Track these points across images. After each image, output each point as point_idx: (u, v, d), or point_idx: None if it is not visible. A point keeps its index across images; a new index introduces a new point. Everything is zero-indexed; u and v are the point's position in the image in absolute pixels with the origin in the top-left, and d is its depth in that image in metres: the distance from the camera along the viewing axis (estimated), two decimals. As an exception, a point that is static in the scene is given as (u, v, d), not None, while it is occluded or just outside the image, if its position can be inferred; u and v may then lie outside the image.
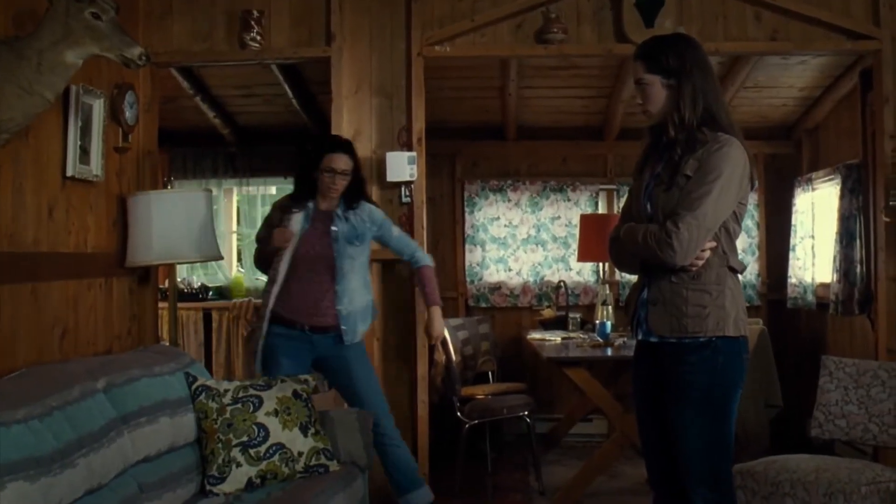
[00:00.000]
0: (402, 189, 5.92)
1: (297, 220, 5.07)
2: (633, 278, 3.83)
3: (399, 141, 5.93)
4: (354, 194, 5.10)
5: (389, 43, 5.95)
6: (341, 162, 5.00)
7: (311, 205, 5.10)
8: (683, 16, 5.86)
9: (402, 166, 5.83)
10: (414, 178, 5.86)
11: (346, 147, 5.08)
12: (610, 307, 7.00)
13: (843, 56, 6.87)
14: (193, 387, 4.40)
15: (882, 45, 5.81)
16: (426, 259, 5.30)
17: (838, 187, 7.27)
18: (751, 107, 8.30)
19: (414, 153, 5.86)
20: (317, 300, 5.02)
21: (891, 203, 5.39)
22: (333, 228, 5.03)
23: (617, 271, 8.28)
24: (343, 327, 5.03)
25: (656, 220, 3.40)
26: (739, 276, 3.58)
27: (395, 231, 5.25)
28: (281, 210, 5.14)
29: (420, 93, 5.90)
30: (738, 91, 7.84)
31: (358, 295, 5.09)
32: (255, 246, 5.32)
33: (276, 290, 5.02)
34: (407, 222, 5.87)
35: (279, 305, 5.04)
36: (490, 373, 7.99)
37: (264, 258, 5.19)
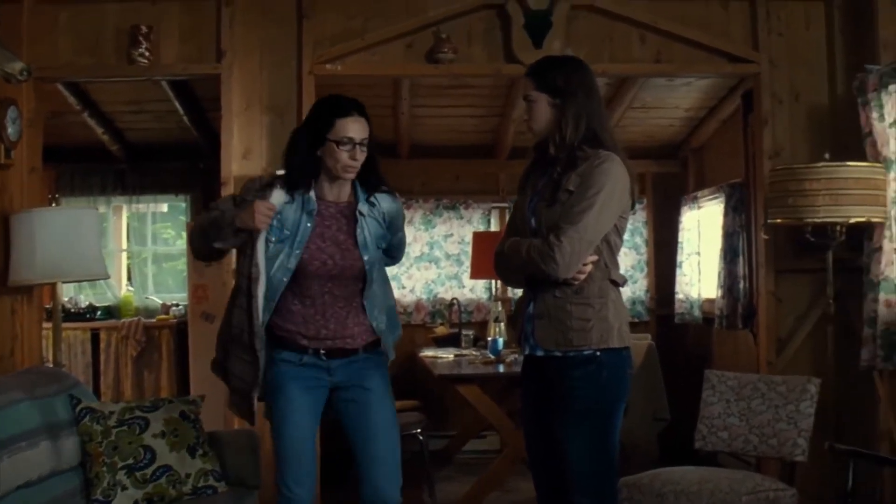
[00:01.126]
0: None
1: (279, 203, 3.75)
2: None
3: None
4: (374, 175, 3.89)
5: (280, 60, 5.89)
6: (360, 128, 3.74)
7: (310, 195, 3.77)
8: (571, 38, 5.93)
9: None
10: None
11: (362, 109, 3.80)
12: (502, 324, 7.02)
13: (726, 78, 7.08)
14: (77, 409, 4.30)
15: (761, 69, 5.98)
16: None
17: (722, 205, 7.51)
18: (638, 127, 8.45)
19: None
20: (340, 320, 3.82)
21: (769, 221, 5.50)
22: (362, 232, 3.81)
23: (510, 288, 8.32)
24: (384, 342, 3.94)
25: (540, 235, 3.45)
26: (622, 289, 3.64)
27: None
28: (259, 191, 3.78)
29: None
30: (626, 111, 8.00)
31: (380, 299, 3.95)
32: (201, 222, 3.88)
33: (259, 305, 3.73)
34: None
35: (280, 323, 3.83)
36: None
37: (208, 245, 3.78)
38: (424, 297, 8.92)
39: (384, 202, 3.89)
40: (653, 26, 5.96)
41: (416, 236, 8.85)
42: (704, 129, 8.49)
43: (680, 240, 8.60)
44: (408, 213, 8.58)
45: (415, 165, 8.78)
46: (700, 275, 8.26)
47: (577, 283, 3.42)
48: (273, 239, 3.72)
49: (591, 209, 3.37)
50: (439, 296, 8.92)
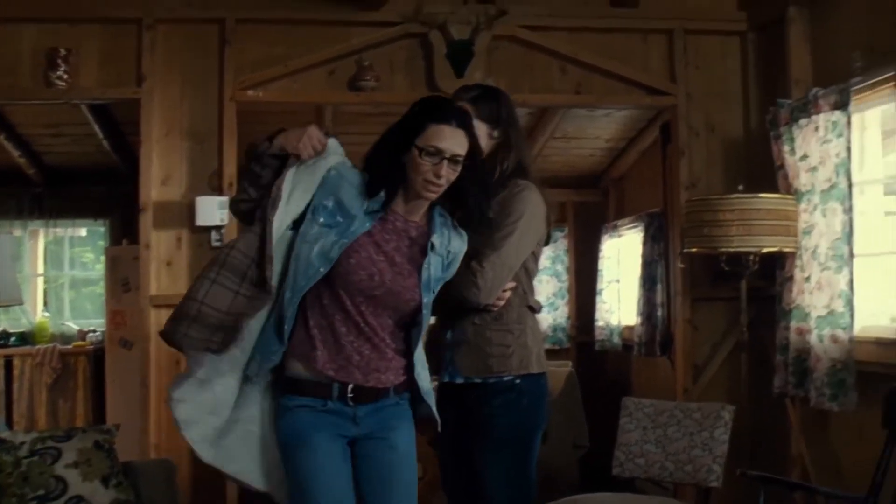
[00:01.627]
0: (213, 233, 5.76)
1: (338, 163, 3.19)
2: None
3: (210, 185, 5.79)
4: (464, 207, 3.21)
5: (201, 86, 5.84)
6: (456, 142, 3.05)
7: (380, 194, 3.11)
8: (493, 68, 5.98)
9: (213, 211, 5.68)
10: (225, 223, 5.71)
11: (466, 122, 3.12)
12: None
13: (645, 110, 7.26)
14: (-13, 439, 4.20)
15: (678, 101, 6.11)
16: None
17: (641, 234, 7.86)
18: (560, 157, 8.66)
19: (225, 198, 5.67)
20: (372, 350, 3.12)
21: (685, 250, 5.57)
22: (427, 269, 3.13)
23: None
24: (420, 386, 3.23)
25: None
26: (538, 316, 3.67)
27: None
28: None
29: (232, 137, 5.79)
30: (548, 141, 8.20)
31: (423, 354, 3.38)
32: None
33: (273, 232, 3.05)
34: None
35: (298, 358, 3.11)
36: None
37: (255, 184, 3.15)
38: None
39: (455, 241, 3.21)
40: (573, 58, 6.07)
41: None
42: (625, 159, 8.71)
43: (600, 268, 8.81)
44: None
45: None
46: (620, 302, 8.44)
47: (496, 309, 3.43)
48: (321, 220, 3.06)
49: (512, 236, 3.37)
50: None
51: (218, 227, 5.72)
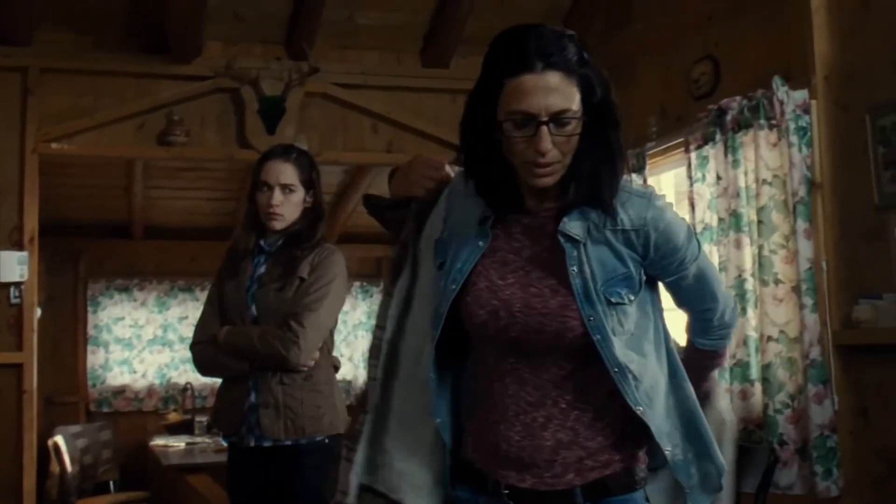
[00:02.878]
0: (12, 290, 5.52)
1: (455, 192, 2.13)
2: None
3: (10, 240, 5.55)
4: (595, 177, 1.97)
5: (1, 137, 5.60)
6: (554, 93, 1.85)
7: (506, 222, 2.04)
8: (305, 125, 6.10)
9: (13, 266, 5.47)
10: (25, 279, 5.51)
11: (556, 57, 1.88)
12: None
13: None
14: None
15: None
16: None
17: None
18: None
19: (25, 253, 5.52)
20: (532, 427, 1.92)
21: None
22: (576, 267, 1.90)
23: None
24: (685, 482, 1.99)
25: (266, 322, 3.37)
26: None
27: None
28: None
29: (34, 191, 5.59)
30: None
31: (656, 391, 1.98)
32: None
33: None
34: (15, 325, 5.50)
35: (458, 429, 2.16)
36: (111, 482, 7.64)
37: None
38: (157, 381, 9.04)
39: (632, 209, 1.93)
40: (385, 116, 6.25)
41: (149, 319, 9.17)
42: None
43: None
44: (140, 295, 9.19)
45: (150, 246, 9.00)
46: None
47: (305, 369, 3.35)
48: (438, 261, 2.04)
49: (328, 297, 3.35)
50: (173, 380, 9.08)
51: (17, 284, 5.53)
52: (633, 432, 1.90)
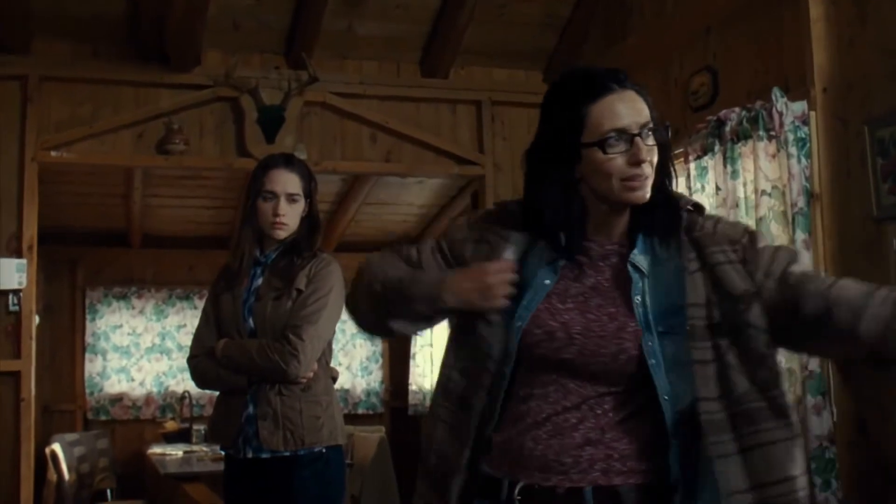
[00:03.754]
0: (10, 297, 5.51)
1: (518, 254, 2.06)
2: None
3: (9, 248, 5.55)
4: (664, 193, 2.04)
5: (1, 145, 5.62)
6: (638, 109, 1.96)
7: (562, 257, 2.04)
8: (304, 134, 6.11)
9: (11, 274, 5.47)
10: (23, 287, 5.51)
11: (625, 78, 2.00)
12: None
13: (456, 178, 6.99)
14: None
15: (485, 171, 6.38)
16: None
17: None
18: (373, 222, 8.99)
19: (24, 261, 5.52)
20: (569, 424, 1.94)
21: None
22: (638, 295, 1.95)
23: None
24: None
25: (263, 334, 3.38)
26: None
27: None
28: (495, 234, 2.11)
29: (33, 199, 5.60)
30: (361, 207, 8.53)
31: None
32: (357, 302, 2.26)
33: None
34: (13, 332, 5.50)
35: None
36: (109, 491, 7.69)
37: (381, 319, 2.16)
38: (155, 390, 9.01)
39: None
40: (384, 126, 6.25)
41: (147, 327, 9.15)
42: (437, 225, 8.94)
43: None
44: (138, 303, 9.15)
45: (147, 255, 9.08)
46: (433, 366, 8.47)
47: (304, 381, 3.36)
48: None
49: (326, 308, 3.36)
50: (170, 389, 9.05)
51: (16, 291, 5.53)
52: (664, 448, 1.92)
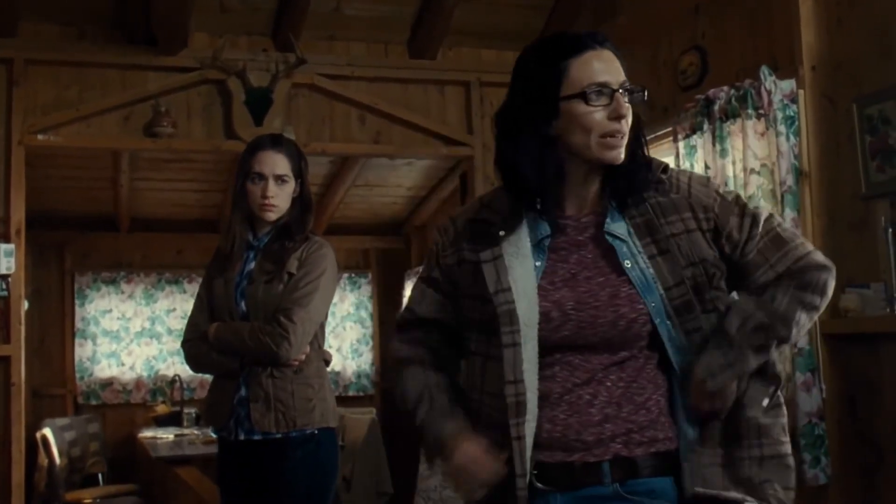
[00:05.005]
0: None
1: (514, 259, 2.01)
2: None
3: None
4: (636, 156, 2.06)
5: None
6: (615, 69, 1.98)
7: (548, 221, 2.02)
8: (292, 116, 6.09)
9: None
10: (11, 271, 5.48)
11: (604, 38, 2.03)
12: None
13: (445, 160, 6.99)
14: None
15: (474, 152, 6.40)
16: None
17: None
18: (362, 204, 8.98)
19: (12, 245, 5.49)
20: (583, 408, 1.93)
21: None
22: (631, 261, 1.96)
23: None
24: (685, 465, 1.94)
25: (256, 317, 3.37)
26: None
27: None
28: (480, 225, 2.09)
29: (20, 183, 5.58)
30: (350, 189, 8.50)
31: None
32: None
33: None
34: (2, 317, 5.48)
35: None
36: (100, 475, 7.74)
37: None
38: (145, 374, 8.99)
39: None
40: (372, 107, 6.25)
41: (136, 311, 9.13)
42: (426, 207, 8.99)
43: None
44: (128, 288, 9.12)
45: (136, 239, 8.99)
46: None
47: (296, 363, 3.37)
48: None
49: (317, 291, 3.36)
50: (161, 372, 9.03)
51: (4, 276, 5.52)
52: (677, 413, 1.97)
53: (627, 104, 1.95)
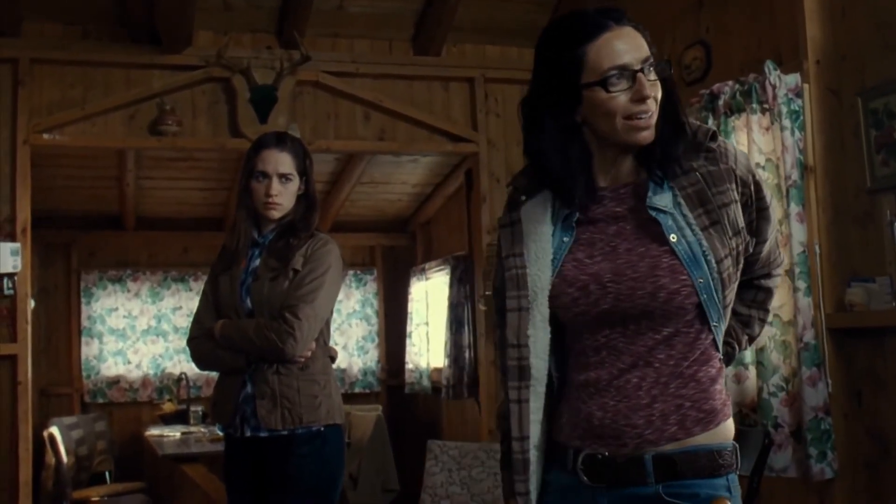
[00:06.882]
0: (5, 281, 5.52)
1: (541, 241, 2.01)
2: None
3: (2, 231, 5.55)
4: (671, 125, 1.98)
5: None
6: (636, 46, 1.93)
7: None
8: (297, 113, 6.08)
9: (6, 258, 5.45)
10: (18, 270, 5.50)
11: (620, 15, 1.97)
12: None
13: (450, 156, 6.97)
14: None
15: (479, 148, 6.40)
16: None
17: (448, 277, 7.87)
18: (368, 201, 8.94)
19: (18, 244, 5.51)
20: (633, 393, 1.89)
21: (487, 293, 5.80)
22: (677, 234, 1.89)
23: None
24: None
25: (261, 314, 3.37)
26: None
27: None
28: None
29: (25, 182, 5.59)
30: (355, 186, 8.44)
31: None
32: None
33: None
34: (9, 316, 5.50)
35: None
36: (107, 473, 7.76)
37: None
38: (151, 372, 8.96)
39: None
40: (377, 104, 6.24)
41: (142, 309, 9.07)
42: (431, 203, 8.91)
43: (409, 310, 8.87)
44: (134, 286, 9.07)
45: (142, 237, 8.96)
46: (429, 345, 8.47)
47: (302, 360, 3.38)
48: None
49: (323, 288, 3.36)
50: (167, 370, 9.00)
51: (10, 275, 5.53)
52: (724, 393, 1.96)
53: (653, 80, 1.90)
